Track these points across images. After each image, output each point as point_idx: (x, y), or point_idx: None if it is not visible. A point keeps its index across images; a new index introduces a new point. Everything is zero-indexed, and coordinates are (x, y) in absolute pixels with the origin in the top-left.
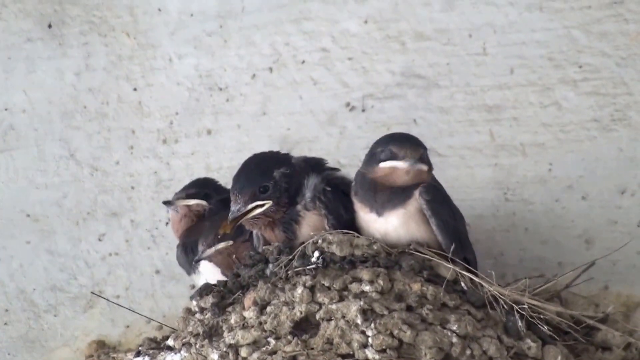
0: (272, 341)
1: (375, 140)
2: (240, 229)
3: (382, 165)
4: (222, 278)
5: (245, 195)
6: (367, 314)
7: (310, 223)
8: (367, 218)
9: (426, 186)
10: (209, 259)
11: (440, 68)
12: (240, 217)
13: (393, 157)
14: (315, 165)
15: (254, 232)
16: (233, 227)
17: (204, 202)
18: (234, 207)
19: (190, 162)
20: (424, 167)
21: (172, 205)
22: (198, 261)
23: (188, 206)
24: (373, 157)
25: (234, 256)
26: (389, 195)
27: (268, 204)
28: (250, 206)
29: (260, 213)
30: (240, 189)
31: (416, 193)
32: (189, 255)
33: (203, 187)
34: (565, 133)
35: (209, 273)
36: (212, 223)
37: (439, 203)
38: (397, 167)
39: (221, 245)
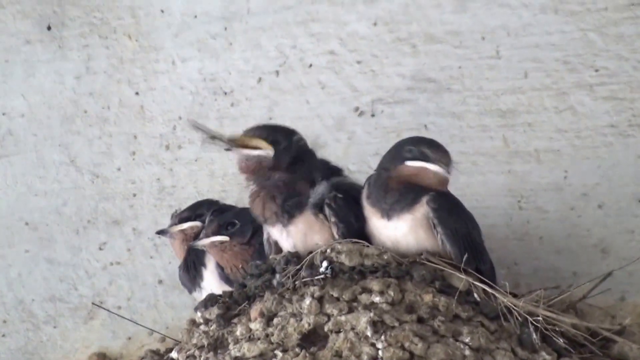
0: (279, 354)
1: (398, 141)
2: (242, 230)
3: (411, 163)
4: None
5: (253, 134)
6: (377, 325)
7: (307, 224)
8: (378, 225)
9: (434, 194)
10: (204, 247)
11: (452, 72)
12: (235, 145)
13: (424, 158)
14: (329, 168)
15: (265, 238)
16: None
17: (197, 223)
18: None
19: (194, 168)
20: (450, 177)
21: (167, 234)
22: (193, 247)
23: (182, 231)
24: (398, 155)
25: (240, 266)
26: (398, 197)
27: (268, 151)
28: (251, 143)
29: (254, 155)
30: (252, 130)
31: (424, 200)
32: (190, 272)
33: (195, 209)
34: (581, 139)
35: (212, 287)
36: (219, 216)
37: (447, 211)
38: (428, 169)
39: (216, 238)
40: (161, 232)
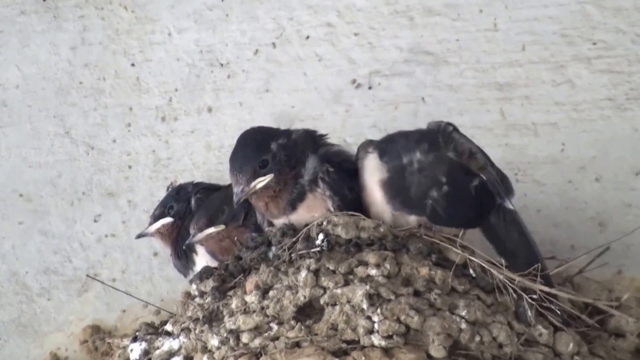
0: (274, 326)
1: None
2: (233, 214)
3: None
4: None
5: (246, 174)
6: (373, 298)
7: (309, 204)
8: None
9: None
10: (200, 243)
11: (450, 44)
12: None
13: None
14: (314, 138)
15: (259, 218)
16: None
17: (167, 220)
18: (236, 189)
19: (190, 140)
20: None
21: (145, 236)
22: (188, 245)
23: (157, 229)
24: None
25: (235, 238)
26: None
27: (269, 177)
28: (252, 184)
29: (262, 187)
30: (239, 168)
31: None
32: (181, 260)
33: (165, 203)
34: (579, 112)
35: None
36: (204, 206)
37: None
38: None
39: (212, 229)
40: (140, 236)
